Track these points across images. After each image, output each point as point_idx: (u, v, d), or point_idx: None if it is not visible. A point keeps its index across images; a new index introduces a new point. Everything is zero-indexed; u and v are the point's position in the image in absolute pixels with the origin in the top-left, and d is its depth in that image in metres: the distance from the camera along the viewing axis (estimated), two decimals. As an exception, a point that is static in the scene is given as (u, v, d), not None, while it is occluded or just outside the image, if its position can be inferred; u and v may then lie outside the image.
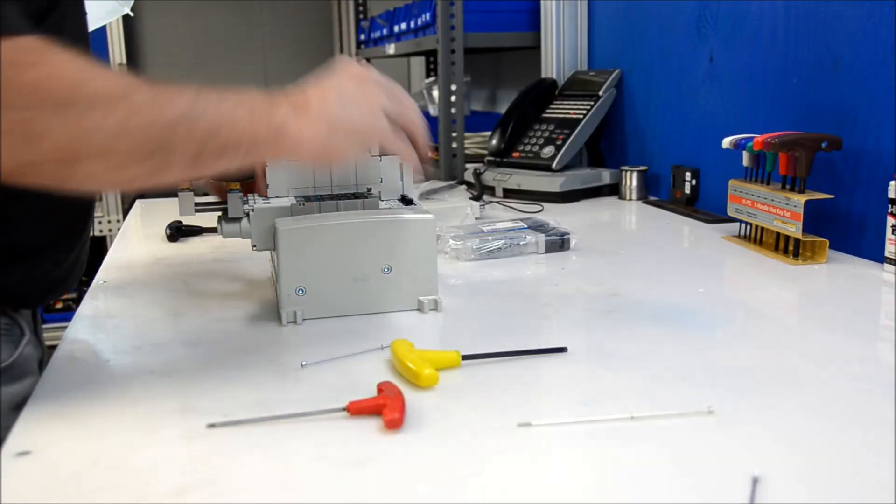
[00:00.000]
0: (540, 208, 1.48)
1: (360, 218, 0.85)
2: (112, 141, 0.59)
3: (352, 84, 0.73)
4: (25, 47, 0.57)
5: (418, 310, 0.87)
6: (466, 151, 2.00)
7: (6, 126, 0.55)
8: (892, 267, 0.98)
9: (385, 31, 2.60)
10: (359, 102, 0.73)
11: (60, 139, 0.57)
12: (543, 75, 1.90)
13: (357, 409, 0.61)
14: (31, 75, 0.56)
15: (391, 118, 0.76)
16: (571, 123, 1.67)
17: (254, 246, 0.86)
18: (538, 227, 1.18)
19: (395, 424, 0.58)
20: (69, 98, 0.57)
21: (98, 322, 0.89)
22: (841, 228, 1.13)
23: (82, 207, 0.90)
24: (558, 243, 1.14)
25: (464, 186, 1.70)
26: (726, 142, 1.19)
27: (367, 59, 3.41)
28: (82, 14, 0.85)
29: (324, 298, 0.84)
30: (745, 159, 1.17)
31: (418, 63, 3.50)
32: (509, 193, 1.60)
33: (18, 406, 0.67)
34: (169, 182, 0.66)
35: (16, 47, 0.56)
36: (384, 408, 0.60)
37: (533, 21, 1.99)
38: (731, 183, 1.20)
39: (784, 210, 1.07)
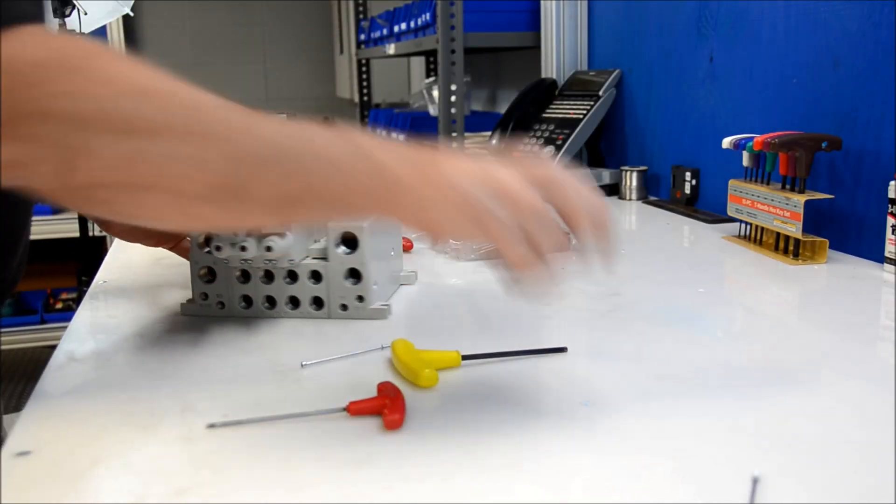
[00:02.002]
0: (540, 208, 1.47)
1: None
2: (178, 169, 0.48)
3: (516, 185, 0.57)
4: (84, 49, 0.48)
5: (407, 284, 0.96)
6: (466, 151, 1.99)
7: (55, 139, 0.47)
8: (892, 267, 0.98)
9: (385, 31, 2.60)
10: (503, 200, 0.56)
11: (114, 161, 0.48)
12: (543, 75, 1.90)
13: (357, 410, 0.61)
14: (78, 81, 0.47)
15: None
16: (571, 123, 1.67)
17: (290, 260, 0.83)
18: (538, 227, 1.18)
19: (395, 425, 0.58)
20: (129, 112, 0.48)
21: (98, 322, 0.89)
22: (841, 228, 1.13)
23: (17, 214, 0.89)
24: (558, 243, 1.13)
25: (464, 186, 1.70)
26: (726, 142, 1.19)
27: (367, 59, 3.42)
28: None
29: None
30: (745, 159, 1.17)
31: (418, 63, 3.50)
32: (509, 193, 1.60)
33: None
34: (248, 227, 0.56)
35: (76, 47, 0.47)
36: (384, 408, 0.60)
37: (533, 21, 1.99)
38: (731, 183, 1.20)
39: (784, 210, 1.07)
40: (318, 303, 0.85)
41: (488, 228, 0.56)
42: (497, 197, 0.56)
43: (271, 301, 0.85)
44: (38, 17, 0.81)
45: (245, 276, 0.85)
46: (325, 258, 0.84)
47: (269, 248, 0.79)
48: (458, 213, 0.55)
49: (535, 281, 0.60)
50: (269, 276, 0.84)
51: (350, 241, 0.83)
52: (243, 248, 0.79)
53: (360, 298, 0.83)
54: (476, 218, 0.56)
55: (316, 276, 0.84)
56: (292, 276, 0.84)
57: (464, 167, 0.56)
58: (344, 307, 0.84)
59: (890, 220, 0.98)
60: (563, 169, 0.60)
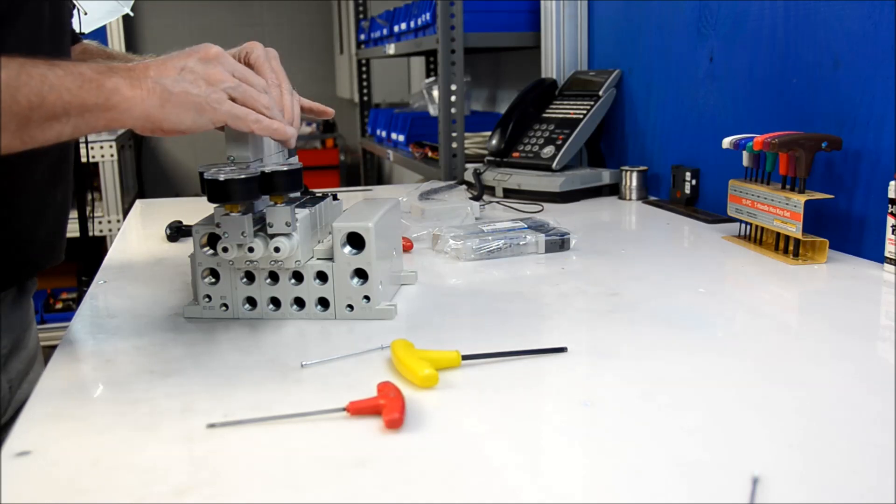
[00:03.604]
0: (540, 208, 1.48)
1: (391, 205, 0.92)
2: None
3: (195, 62, 0.73)
4: None
5: (408, 283, 0.98)
6: (466, 151, 2.00)
7: None
8: (892, 267, 0.98)
9: (385, 31, 2.60)
10: (197, 78, 0.72)
11: None
12: (543, 75, 1.90)
13: (357, 410, 0.61)
14: None
15: (235, 99, 0.75)
16: (571, 123, 1.67)
17: (297, 261, 0.82)
18: (538, 227, 1.18)
19: (395, 424, 0.58)
20: None
21: (98, 322, 0.89)
22: (841, 228, 1.13)
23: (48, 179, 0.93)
24: (558, 243, 1.14)
25: (464, 186, 1.70)
26: (726, 142, 1.19)
27: (367, 59, 3.42)
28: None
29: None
30: (745, 159, 1.17)
31: (418, 63, 3.50)
32: (509, 193, 1.61)
33: None
34: (4, 147, 0.67)
35: None
36: (384, 408, 0.60)
37: (533, 21, 1.99)
38: (731, 183, 1.20)
39: (784, 210, 1.07)
40: (323, 303, 0.85)
41: (203, 113, 0.72)
42: (197, 82, 0.72)
43: (276, 302, 0.85)
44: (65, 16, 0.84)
45: (249, 278, 0.85)
46: (330, 258, 0.83)
47: (277, 249, 0.79)
48: (175, 109, 0.71)
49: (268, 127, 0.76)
50: (273, 277, 0.84)
51: (355, 241, 0.83)
52: (251, 250, 0.79)
53: (367, 298, 0.83)
54: (176, 103, 0.71)
55: (322, 277, 0.84)
56: (297, 276, 0.84)
57: (171, 68, 0.72)
58: (350, 307, 0.84)
59: (890, 220, 0.98)
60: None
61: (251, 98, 0.75)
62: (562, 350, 0.74)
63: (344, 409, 0.61)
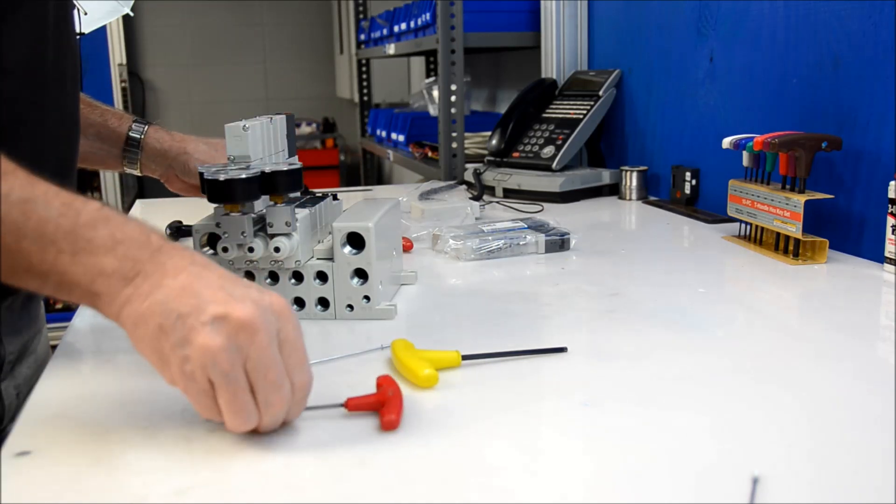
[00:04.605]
0: (540, 208, 1.48)
1: (391, 205, 0.91)
2: None
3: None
4: None
5: (408, 283, 0.98)
6: (466, 151, 2.00)
7: None
8: (892, 267, 0.98)
9: (385, 31, 2.60)
10: (186, 344, 0.54)
11: None
12: (543, 75, 1.90)
13: (356, 406, 0.61)
14: None
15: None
16: (571, 123, 1.67)
17: (297, 261, 0.83)
18: (538, 227, 1.18)
19: (391, 426, 0.58)
20: None
21: (98, 322, 0.88)
22: (841, 228, 1.13)
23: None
24: (558, 243, 1.14)
25: (464, 186, 1.70)
26: (726, 142, 1.19)
27: (367, 59, 3.42)
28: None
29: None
30: (745, 159, 1.17)
31: (418, 63, 3.50)
32: (509, 193, 1.61)
33: None
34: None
35: None
36: (382, 407, 0.60)
37: (533, 21, 1.99)
38: (731, 183, 1.20)
39: (784, 210, 1.07)
40: (323, 303, 0.85)
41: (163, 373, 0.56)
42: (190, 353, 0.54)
43: None
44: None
45: (249, 278, 0.84)
46: (330, 258, 0.83)
47: (277, 249, 0.79)
48: (151, 344, 0.55)
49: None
50: (273, 277, 0.84)
51: (355, 241, 0.83)
52: (251, 250, 0.79)
53: (367, 298, 0.83)
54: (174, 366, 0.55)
55: (322, 277, 0.84)
56: (297, 276, 0.84)
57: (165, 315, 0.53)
58: (350, 307, 0.84)
59: (890, 220, 0.98)
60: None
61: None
62: (562, 350, 0.74)
63: (342, 406, 0.61)
